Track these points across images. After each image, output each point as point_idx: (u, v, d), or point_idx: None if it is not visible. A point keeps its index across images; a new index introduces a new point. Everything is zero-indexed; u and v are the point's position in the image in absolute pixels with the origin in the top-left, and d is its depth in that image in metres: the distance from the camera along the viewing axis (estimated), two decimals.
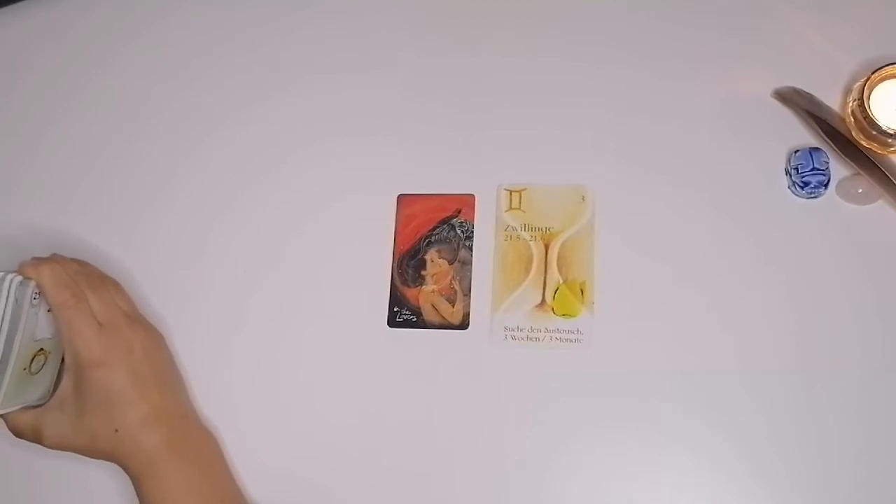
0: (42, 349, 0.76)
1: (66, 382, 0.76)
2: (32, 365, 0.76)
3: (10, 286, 0.73)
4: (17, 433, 0.76)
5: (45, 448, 0.76)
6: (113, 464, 0.76)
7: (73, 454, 0.76)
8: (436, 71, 0.88)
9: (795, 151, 0.79)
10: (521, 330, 0.80)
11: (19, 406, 0.76)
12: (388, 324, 0.82)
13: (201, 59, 0.93)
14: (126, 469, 0.75)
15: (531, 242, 0.82)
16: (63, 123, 0.93)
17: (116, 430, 0.74)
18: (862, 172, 0.77)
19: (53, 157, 0.92)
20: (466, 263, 0.82)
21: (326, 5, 0.93)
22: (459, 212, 0.84)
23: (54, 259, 0.79)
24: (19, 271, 0.75)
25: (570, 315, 0.80)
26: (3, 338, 0.73)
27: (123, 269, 0.86)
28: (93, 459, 0.76)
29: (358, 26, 0.91)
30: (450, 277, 0.82)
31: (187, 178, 0.89)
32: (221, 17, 0.94)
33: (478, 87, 0.87)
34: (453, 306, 0.81)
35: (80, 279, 0.77)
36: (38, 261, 0.77)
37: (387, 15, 0.92)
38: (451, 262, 0.83)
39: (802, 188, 0.78)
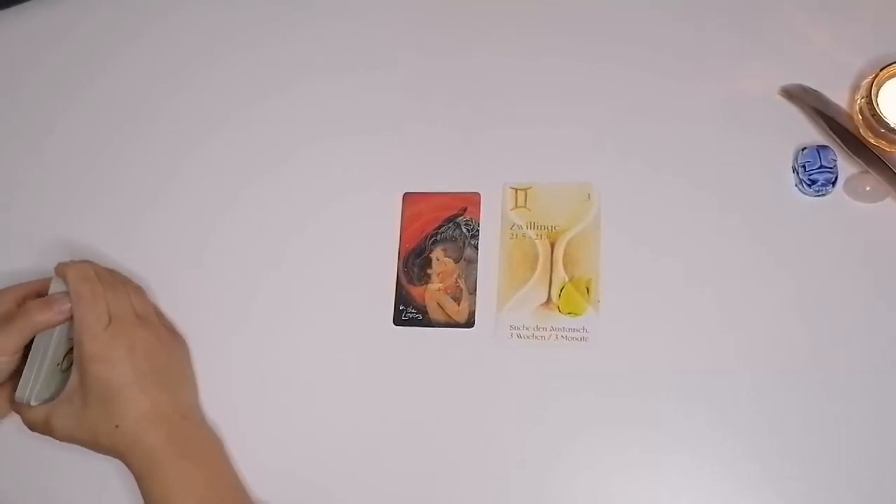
0: (72, 348, 0.79)
1: (74, 376, 0.77)
2: (64, 361, 0.79)
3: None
4: (31, 426, 0.78)
5: (56, 441, 0.77)
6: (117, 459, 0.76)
7: (81, 448, 0.77)
8: (441, 70, 0.88)
9: (802, 149, 0.79)
10: (527, 328, 0.80)
11: (46, 398, 0.78)
12: (393, 322, 0.82)
13: (203, 59, 0.93)
14: (129, 466, 0.75)
15: (537, 241, 0.82)
16: (64, 124, 0.93)
17: (117, 426, 0.74)
18: (870, 170, 0.77)
19: (54, 158, 0.92)
20: (472, 262, 0.82)
21: (330, 5, 0.93)
22: (465, 210, 0.84)
23: (87, 260, 0.82)
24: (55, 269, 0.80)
25: (575, 313, 0.80)
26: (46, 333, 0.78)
27: (125, 270, 0.86)
28: (98, 454, 0.77)
29: (362, 26, 0.91)
30: (455, 276, 0.82)
31: (191, 178, 0.89)
32: (223, 17, 0.94)
33: (483, 86, 0.87)
34: (459, 305, 0.81)
35: (104, 278, 0.79)
36: (71, 262, 0.80)
37: (390, 14, 0.91)
38: (456, 261, 0.82)
39: (810, 186, 0.78)
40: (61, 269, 0.79)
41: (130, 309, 0.78)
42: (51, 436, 0.77)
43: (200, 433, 0.79)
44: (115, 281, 0.80)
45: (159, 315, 0.83)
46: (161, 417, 0.75)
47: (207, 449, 0.78)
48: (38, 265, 0.87)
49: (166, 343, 0.80)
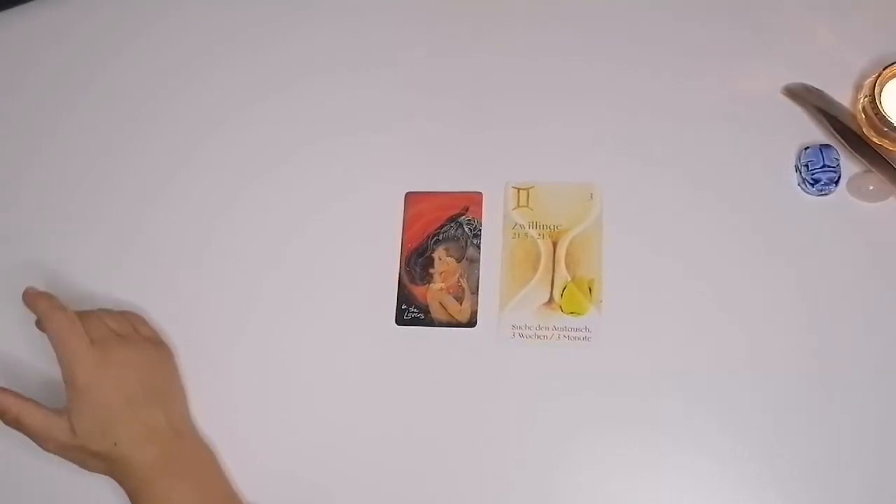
0: None
1: (67, 397, 0.75)
2: None
3: None
4: (25, 429, 0.76)
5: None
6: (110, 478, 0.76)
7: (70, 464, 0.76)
8: (443, 69, 0.88)
9: (805, 148, 0.79)
10: (529, 328, 0.80)
11: None
12: (395, 321, 0.81)
13: (203, 59, 0.93)
14: (122, 485, 0.75)
15: (539, 240, 0.82)
16: (64, 125, 0.93)
17: (115, 444, 0.74)
18: (873, 169, 0.77)
19: (55, 159, 0.92)
20: (474, 261, 0.82)
21: (331, 4, 0.92)
22: (467, 210, 0.83)
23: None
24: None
25: (577, 313, 0.80)
26: None
27: (126, 269, 0.86)
28: (89, 472, 0.76)
29: (365, 24, 0.91)
30: (457, 275, 0.82)
31: (191, 178, 0.89)
32: (224, 17, 0.94)
33: (486, 85, 0.87)
34: (461, 304, 0.81)
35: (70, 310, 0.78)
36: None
37: (391, 13, 0.91)
38: (458, 260, 0.82)
39: (813, 185, 0.78)
40: (29, 300, 0.78)
41: (108, 330, 0.78)
42: (40, 445, 0.76)
43: (193, 447, 0.78)
44: (83, 312, 0.79)
45: (140, 329, 0.81)
46: (154, 435, 0.75)
47: (201, 463, 0.78)
48: (40, 262, 0.87)
49: (152, 358, 0.79)
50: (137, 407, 0.75)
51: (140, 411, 0.75)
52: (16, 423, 0.76)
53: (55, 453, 0.76)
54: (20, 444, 0.76)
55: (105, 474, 0.75)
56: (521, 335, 0.80)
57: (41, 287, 0.78)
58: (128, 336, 0.79)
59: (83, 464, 0.76)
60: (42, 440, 0.75)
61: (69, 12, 0.96)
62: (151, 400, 0.76)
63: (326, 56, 0.90)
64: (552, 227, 0.82)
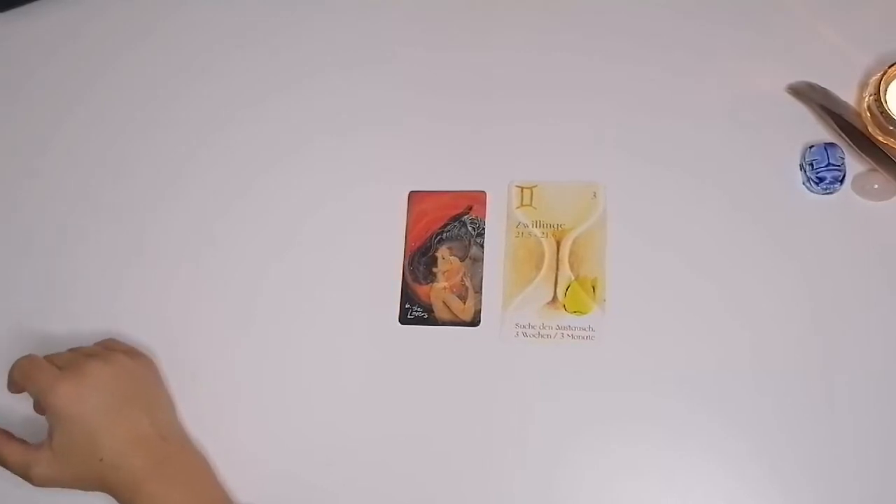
0: None
1: (48, 427, 0.76)
2: None
3: None
4: (4, 464, 0.76)
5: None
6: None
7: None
8: (448, 67, 0.88)
9: (810, 147, 0.78)
10: (533, 327, 0.80)
11: None
12: (399, 320, 0.81)
13: (206, 57, 0.93)
14: (117, 498, 0.75)
15: (542, 239, 0.82)
16: (68, 124, 0.93)
17: (101, 459, 0.74)
18: (878, 168, 0.77)
19: (58, 158, 0.92)
20: (478, 260, 0.82)
21: (336, 0, 0.92)
22: (471, 209, 0.83)
23: None
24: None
25: (581, 312, 0.79)
26: None
27: (128, 267, 0.87)
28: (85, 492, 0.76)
29: (369, 21, 0.91)
30: (461, 274, 0.82)
31: (195, 176, 0.89)
32: (227, 15, 0.94)
33: (489, 83, 0.87)
34: (464, 303, 0.81)
35: None
36: None
37: (397, 9, 0.91)
38: (462, 259, 0.82)
39: (817, 184, 0.77)
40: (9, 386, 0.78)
41: (76, 355, 0.78)
42: (26, 480, 0.75)
43: (183, 452, 0.78)
44: (49, 354, 0.79)
45: (113, 347, 0.81)
46: (140, 440, 0.75)
47: (192, 467, 0.78)
48: (43, 259, 0.88)
49: (129, 369, 0.78)
50: (118, 415, 0.75)
51: (123, 419, 0.75)
52: (1, 461, 0.76)
53: (43, 486, 0.75)
54: None
55: (100, 490, 0.75)
56: (525, 334, 0.80)
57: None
58: (97, 353, 0.78)
59: (79, 487, 0.76)
60: (26, 476, 0.75)
61: (67, 14, 0.96)
62: (134, 407, 0.76)
63: (329, 54, 0.90)
64: (556, 226, 0.82)
